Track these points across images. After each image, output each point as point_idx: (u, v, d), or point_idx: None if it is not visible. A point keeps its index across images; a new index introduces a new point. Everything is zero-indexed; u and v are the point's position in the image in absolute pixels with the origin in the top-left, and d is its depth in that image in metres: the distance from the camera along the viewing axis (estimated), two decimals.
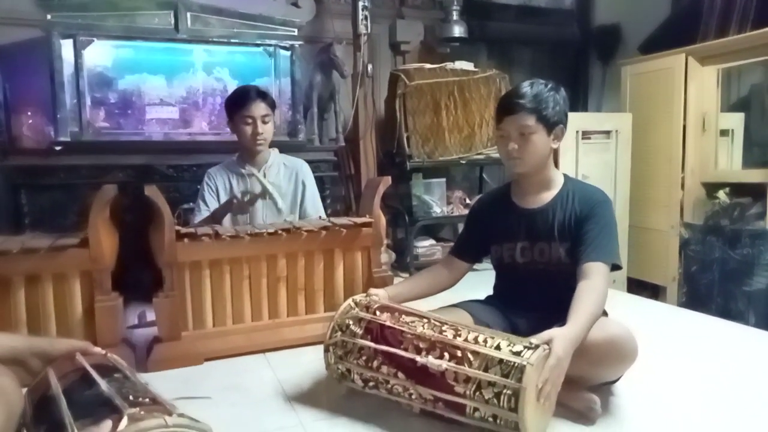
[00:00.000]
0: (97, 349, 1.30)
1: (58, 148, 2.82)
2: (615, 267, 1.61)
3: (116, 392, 1.01)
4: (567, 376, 1.32)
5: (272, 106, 2.42)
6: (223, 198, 2.43)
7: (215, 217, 2.31)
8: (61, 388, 1.08)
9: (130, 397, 1.00)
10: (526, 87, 1.66)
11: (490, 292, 1.91)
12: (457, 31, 3.97)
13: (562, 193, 1.71)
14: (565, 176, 1.77)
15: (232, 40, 3.20)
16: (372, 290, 1.69)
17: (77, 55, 2.88)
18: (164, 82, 3.17)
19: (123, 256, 2.03)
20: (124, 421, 0.85)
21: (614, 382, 1.61)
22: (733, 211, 3.39)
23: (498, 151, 1.78)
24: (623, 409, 1.54)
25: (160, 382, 1.67)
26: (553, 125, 1.66)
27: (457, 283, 1.91)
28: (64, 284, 1.85)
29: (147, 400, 1.01)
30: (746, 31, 3.34)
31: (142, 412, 0.89)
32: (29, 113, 3.03)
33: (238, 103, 2.36)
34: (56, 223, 2.66)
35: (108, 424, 0.88)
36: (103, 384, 1.05)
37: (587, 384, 1.51)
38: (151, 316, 2.15)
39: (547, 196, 1.73)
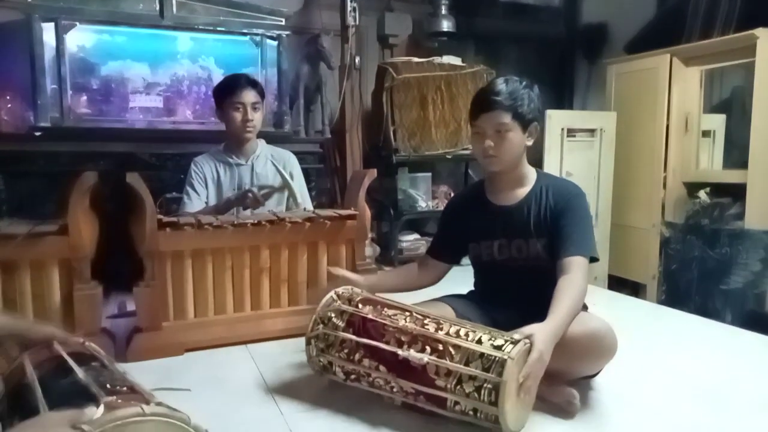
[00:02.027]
0: (76, 339, 1.28)
1: (38, 133, 2.77)
2: (592, 259, 1.62)
3: (93, 380, 0.99)
4: (547, 371, 1.33)
5: (262, 94, 2.41)
6: (211, 187, 2.40)
7: (219, 209, 2.26)
8: (36, 376, 1.06)
9: (108, 386, 0.99)
10: (501, 84, 1.65)
11: (472, 287, 1.92)
12: (446, 25, 3.96)
13: (535, 189, 1.72)
14: (538, 171, 1.78)
15: (218, 29, 3.16)
16: (341, 271, 1.71)
17: (59, 40, 2.83)
18: (148, 69, 3.12)
19: (103, 245, 2.00)
20: (101, 410, 0.84)
21: (593, 376, 1.62)
22: (713, 211, 3.44)
23: (473, 149, 1.76)
24: (602, 403, 1.56)
25: (139, 372, 1.65)
26: (529, 123, 1.66)
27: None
28: (42, 272, 1.82)
29: (125, 388, 1.00)
30: (729, 33, 3.39)
31: (119, 401, 0.88)
32: (8, 97, 2.97)
33: (228, 89, 2.34)
34: (36, 210, 2.61)
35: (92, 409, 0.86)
36: (80, 372, 1.03)
37: (567, 378, 1.53)
38: (131, 305, 2.12)
39: (522, 193, 1.73)
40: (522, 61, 4.50)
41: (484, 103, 1.65)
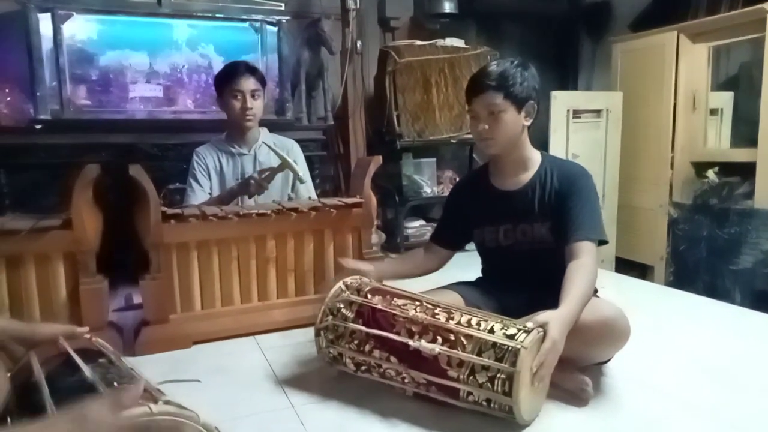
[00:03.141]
0: (82, 330, 1.26)
1: (38, 126, 2.75)
2: (601, 242, 1.60)
3: (100, 378, 0.98)
4: (559, 357, 1.32)
5: (262, 82, 2.37)
6: (214, 177, 2.38)
7: (223, 200, 2.23)
8: (44, 374, 1.05)
9: (115, 384, 0.97)
10: (492, 66, 1.64)
11: (479, 273, 1.90)
12: (447, 6, 3.88)
13: (540, 172, 1.69)
14: (542, 154, 1.75)
15: (217, 15, 3.12)
16: (350, 262, 1.70)
17: (56, 30, 2.79)
18: (147, 58, 3.08)
19: (108, 238, 1.98)
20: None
21: (606, 362, 1.61)
22: (722, 190, 3.40)
23: (471, 132, 1.75)
24: (615, 388, 1.55)
25: (148, 365, 1.66)
26: (523, 102, 1.62)
27: (447, 264, 1.90)
28: (47, 266, 1.81)
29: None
30: (737, 8, 3.32)
31: None
32: (7, 90, 2.93)
33: (227, 77, 2.31)
34: (38, 203, 2.59)
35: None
36: (86, 370, 1.01)
37: (579, 365, 1.51)
38: (137, 298, 2.11)
39: (526, 177, 1.70)
40: (525, 40, 4.43)
41: (474, 86, 1.64)
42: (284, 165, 2.21)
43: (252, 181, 2.20)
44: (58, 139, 2.76)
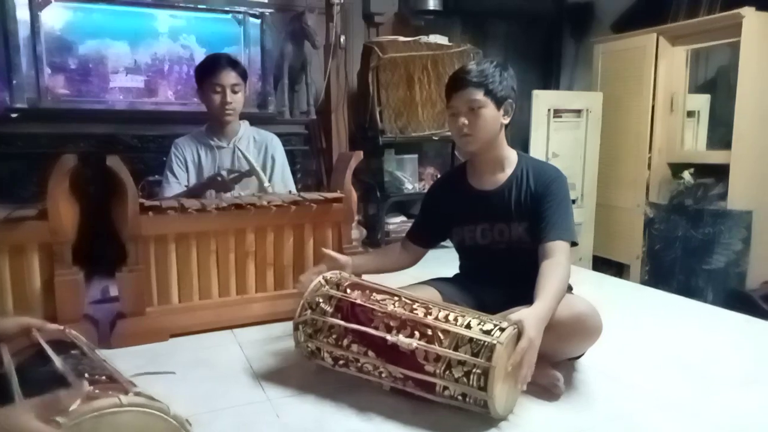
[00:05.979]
0: (53, 326, 1.25)
1: (14, 115, 2.70)
2: (572, 244, 1.62)
3: (71, 369, 0.97)
4: None
5: (243, 75, 2.35)
6: (192, 170, 2.36)
7: (193, 193, 2.22)
8: (14, 365, 1.04)
9: (86, 375, 0.96)
10: (472, 64, 1.67)
11: (457, 269, 1.92)
12: (432, 3, 3.89)
13: (516, 172, 1.71)
14: (519, 153, 1.77)
15: (199, 6, 3.08)
16: (331, 252, 1.73)
17: (33, 17, 2.74)
18: (128, 48, 3.04)
19: (85, 229, 1.96)
20: (77, 400, 0.82)
21: (578, 357, 1.64)
22: (697, 191, 3.47)
23: (450, 130, 1.75)
24: (587, 383, 1.58)
25: (125, 358, 1.65)
26: (502, 100, 1.65)
27: (426, 259, 1.92)
28: (21, 257, 1.78)
29: (103, 377, 0.97)
30: (716, 12, 3.38)
31: (97, 391, 0.86)
32: None
33: (208, 70, 2.28)
34: (14, 194, 2.55)
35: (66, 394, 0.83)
36: (58, 361, 1.01)
37: (552, 360, 1.53)
38: (114, 290, 2.09)
39: (503, 176, 1.72)
40: (509, 39, 4.46)
41: (455, 82, 1.66)
42: (251, 172, 2.26)
43: (219, 179, 2.21)
44: (35, 128, 2.71)
